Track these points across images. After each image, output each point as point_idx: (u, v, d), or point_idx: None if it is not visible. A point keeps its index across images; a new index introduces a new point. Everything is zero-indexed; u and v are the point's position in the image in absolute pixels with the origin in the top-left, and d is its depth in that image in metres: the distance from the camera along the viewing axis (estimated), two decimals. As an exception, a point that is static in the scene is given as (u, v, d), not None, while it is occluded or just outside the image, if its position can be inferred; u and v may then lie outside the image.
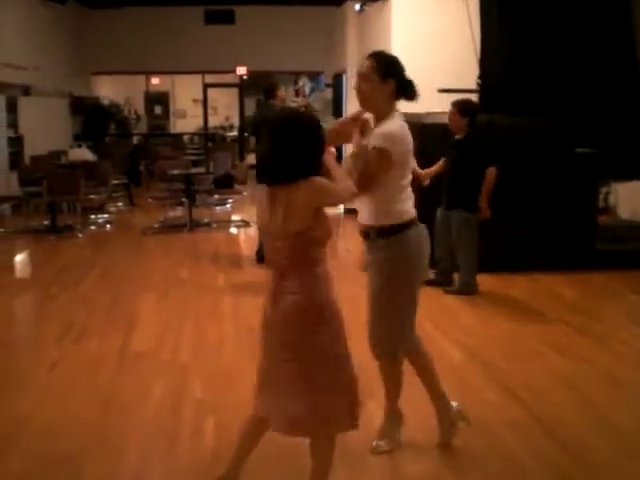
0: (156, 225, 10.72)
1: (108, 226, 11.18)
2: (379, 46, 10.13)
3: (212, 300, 6.88)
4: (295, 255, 2.95)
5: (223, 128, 22.15)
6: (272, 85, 8.24)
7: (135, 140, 19.24)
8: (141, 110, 21.34)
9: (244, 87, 19.56)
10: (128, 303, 6.82)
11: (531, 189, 7.76)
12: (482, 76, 8.80)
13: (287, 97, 7.64)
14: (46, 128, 14.13)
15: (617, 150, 8.22)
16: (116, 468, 3.69)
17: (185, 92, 21.63)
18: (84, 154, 12.59)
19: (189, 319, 6.25)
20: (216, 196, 12.75)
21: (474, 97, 8.90)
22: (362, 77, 3.46)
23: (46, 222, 10.56)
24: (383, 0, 9.75)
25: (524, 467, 3.69)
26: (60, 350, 5.48)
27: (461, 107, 6.96)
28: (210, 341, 5.67)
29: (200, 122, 20.37)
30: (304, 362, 2.98)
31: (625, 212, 8.71)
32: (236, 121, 20.92)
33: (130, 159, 14.04)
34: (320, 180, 2.91)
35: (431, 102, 8.56)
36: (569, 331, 5.95)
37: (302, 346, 2.97)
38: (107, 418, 4.28)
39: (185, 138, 20.26)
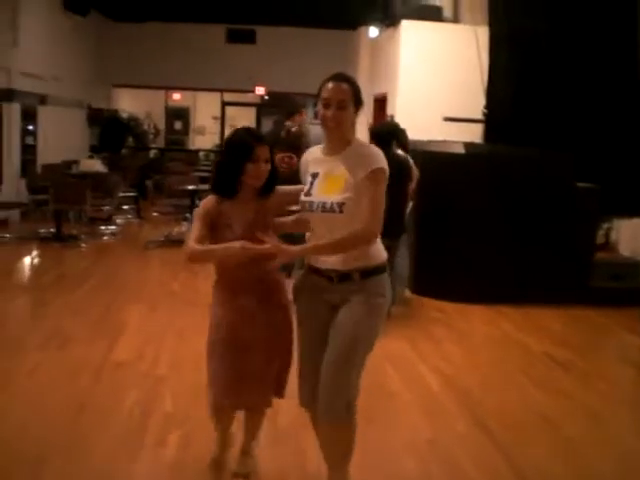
0: (159, 239, 10.78)
1: (112, 237, 11.25)
2: (387, 72, 10.23)
3: (199, 315, 6.81)
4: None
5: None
6: (295, 107, 8.24)
7: (151, 154, 19.39)
8: (161, 125, 21.50)
9: (262, 107, 19.70)
10: (117, 313, 6.86)
11: (529, 221, 7.74)
12: (488, 106, 8.85)
13: (305, 119, 7.69)
14: (62, 138, 14.32)
15: (619, 186, 8.22)
16: (78, 471, 3.74)
17: (206, 109, 21.79)
18: (95, 165, 12.72)
19: (173, 332, 6.28)
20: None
21: (479, 127, 8.97)
22: (341, 104, 3.16)
23: (52, 230, 10.66)
24: (394, 27, 9.81)
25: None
26: (42, 355, 5.53)
27: (371, 132, 7.06)
28: (189, 355, 5.67)
29: (218, 139, 20.53)
30: None
31: (626, 249, 8.68)
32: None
33: (140, 173, 14.15)
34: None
35: (437, 130, 8.70)
36: (552, 365, 5.92)
37: None
38: (77, 423, 4.33)
39: (201, 154, 20.39)
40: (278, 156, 7.93)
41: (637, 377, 6.09)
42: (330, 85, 3.19)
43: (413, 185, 6.96)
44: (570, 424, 4.69)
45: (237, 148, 3.29)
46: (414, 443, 4.26)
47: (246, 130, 3.43)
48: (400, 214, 6.61)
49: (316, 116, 3.35)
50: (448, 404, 4.94)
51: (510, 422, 4.64)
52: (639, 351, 6.76)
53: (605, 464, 4.13)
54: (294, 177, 3.51)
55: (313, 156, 3.33)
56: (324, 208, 3.14)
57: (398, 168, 6.88)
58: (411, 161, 7.03)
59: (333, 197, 3.12)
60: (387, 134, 7.04)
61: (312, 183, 3.23)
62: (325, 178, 3.20)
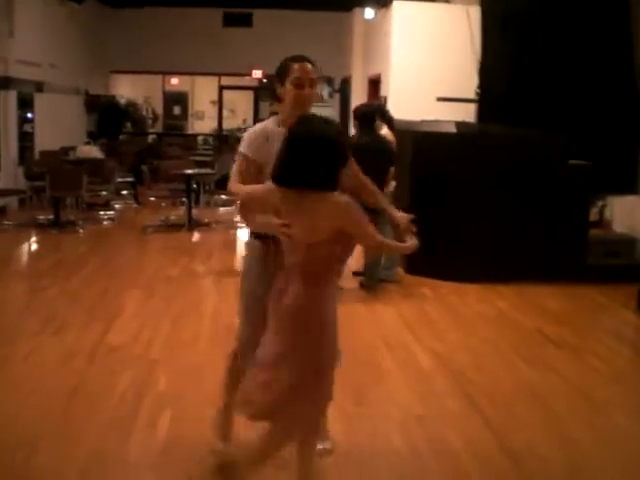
0: (157, 224, 10.82)
1: (110, 223, 11.29)
2: (380, 53, 10.21)
3: (195, 299, 6.97)
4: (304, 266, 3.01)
5: (240, 130, 22.25)
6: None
7: (150, 139, 19.38)
8: (160, 110, 21.47)
9: (260, 90, 19.66)
10: (114, 298, 6.91)
11: (523, 200, 7.76)
12: (481, 86, 8.84)
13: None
14: (59, 124, 14.31)
15: (610, 163, 8.23)
16: (70, 453, 3.77)
17: (204, 93, 21.74)
18: (91, 151, 12.72)
19: (169, 316, 6.32)
20: (223, 196, 12.82)
21: (473, 107, 8.97)
22: (312, 82, 3.38)
23: (50, 216, 10.69)
24: (386, 8, 9.79)
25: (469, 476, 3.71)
26: (37, 340, 5.58)
27: (354, 112, 7.26)
28: (184, 338, 5.74)
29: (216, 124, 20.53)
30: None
31: (620, 226, 8.68)
32: (251, 124, 21.00)
33: (137, 158, 14.16)
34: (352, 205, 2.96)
35: (431, 110, 8.68)
36: (545, 343, 5.96)
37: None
38: (70, 407, 4.38)
39: (199, 139, 20.38)
40: None
41: (631, 354, 6.13)
42: (297, 66, 3.37)
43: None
44: (559, 401, 4.72)
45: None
46: (404, 421, 4.30)
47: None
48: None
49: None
50: (440, 382, 4.98)
51: (500, 400, 4.68)
52: (634, 328, 6.79)
53: (592, 441, 4.15)
54: None
55: (270, 129, 3.43)
56: None
57: (380, 149, 6.95)
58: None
59: None
60: (370, 114, 7.16)
61: None
62: None
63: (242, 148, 3.44)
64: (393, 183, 7.19)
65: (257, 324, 3.27)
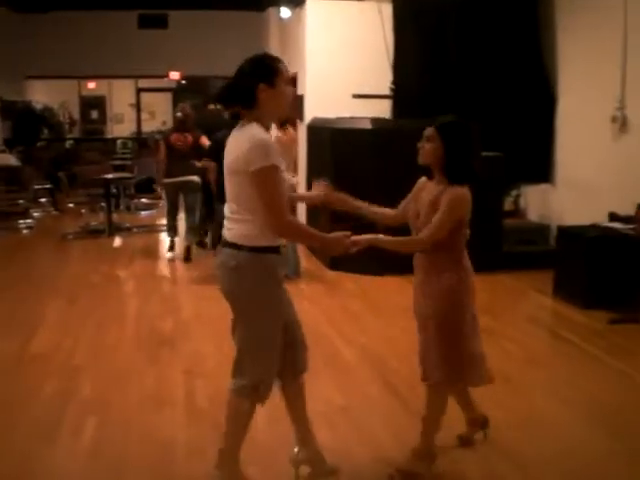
0: (77, 230, 10.68)
1: (29, 231, 11.09)
2: (296, 52, 10.29)
3: (118, 304, 6.93)
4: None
5: (160, 132, 22.03)
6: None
7: (67, 145, 19.05)
8: (77, 114, 21.13)
9: (178, 92, 19.52)
10: (34, 308, 6.80)
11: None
12: (395, 82, 9.00)
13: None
14: (-28, 133, 13.98)
15: (523, 153, 8.48)
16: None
17: (122, 96, 21.46)
18: (6, 159, 12.45)
19: (92, 323, 6.28)
20: (144, 200, 12.74)
21: (388, 103, 9.13)
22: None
23: (-36, 227, 10.46)
24: (300, 7, 9.87)
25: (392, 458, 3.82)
26: (-45, 354, 5.48)
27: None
28: (108, 344, 5.72)
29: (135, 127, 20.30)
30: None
31: (534, 215, 8.96)
32: (171, 125, 20.80)
33: (53, 164, 13.92)
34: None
35: (348, 108, 8.80)
36: (464, 330, 6.11)
37: None
38: (-8, 419, 4.33)
39: (118, 143, 20.13)
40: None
41: (546, 336, 6.34)
42: (284, 65, 3.24)
43: None
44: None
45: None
46: (328, 413, 4.39)
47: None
48: None
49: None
50: (363, 374, 5.09)
51: (421, 388, 4.79)
52: (549, 311, 7.01)
53: (506, 420, 4.32)
54: None
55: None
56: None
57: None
58: None
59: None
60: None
61: None
62: None
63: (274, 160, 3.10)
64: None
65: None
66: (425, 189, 3.68)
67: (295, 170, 8.54)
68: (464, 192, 3.49)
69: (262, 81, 3.13)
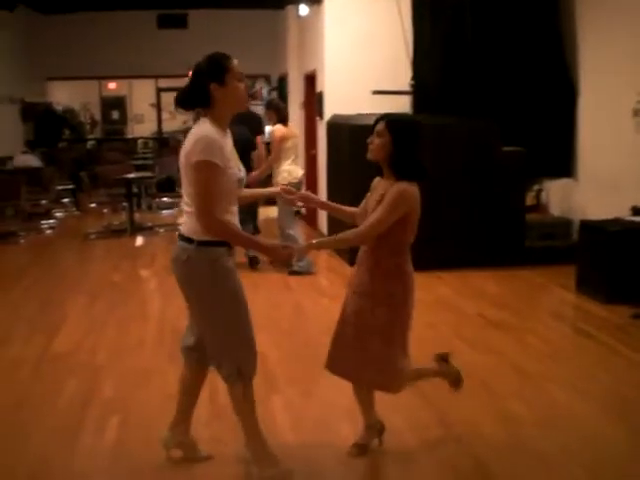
0: (99, 230, 10.74)
1: (52, 231, 11.17)
2: (315, 49, 10.27)
3: (140, 303, 6.96)
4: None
5: (181, 132, 22.10)
6: None
7: (89, 145, 19.17)
8: (98, 115, 21.23)
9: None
10: (57, 307, 6.88)
11: (460, 188, 7.92)
12: (415, 77, 8.95)
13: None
14: (-6, 134, 14.10)
15: (544, 148, 8.42)
16: (16, 462, 3.78)
17: (142, 97, 21.53)
18: (29, 160, 12.54)
19: (113, 322, 6.32)
20: (165, 199, 12.79)
21: (408, 99, 9.08)
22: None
23: (-11, 228, 10.55)
24: (318, 4, 9.85)
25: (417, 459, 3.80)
26: (-20, 355, 5.53)
27: None
28: (130, 343, 5.75)
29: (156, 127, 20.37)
30: None
31: (556, 209, 8.88)
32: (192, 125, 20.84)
33: (75, 165, 14.01)
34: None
35: (367, 104, 8.75)
36: (485, 324, 6.11)
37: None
38: (16, 417, 4.36)
39: (139, 143, 20.21)
40: None
41: (568, 331, 6.28)
42: (235, 61, 3.34)
43: None
44: (498, 380, 4.86)
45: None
46: (352, 410, 4.36)
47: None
48: None
49: (253, 97, 3.43)
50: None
51: (439, 381, 4.77)
52: (572, 306, 6.96)
53: (531, 417, 4.29)
54: None
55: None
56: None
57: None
58: None
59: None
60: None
61: None
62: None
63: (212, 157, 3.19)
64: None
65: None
66: (377, 187, 3.67)
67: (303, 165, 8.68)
68: (410, 188, 3.48)
69: (213, 80, 3.24)
